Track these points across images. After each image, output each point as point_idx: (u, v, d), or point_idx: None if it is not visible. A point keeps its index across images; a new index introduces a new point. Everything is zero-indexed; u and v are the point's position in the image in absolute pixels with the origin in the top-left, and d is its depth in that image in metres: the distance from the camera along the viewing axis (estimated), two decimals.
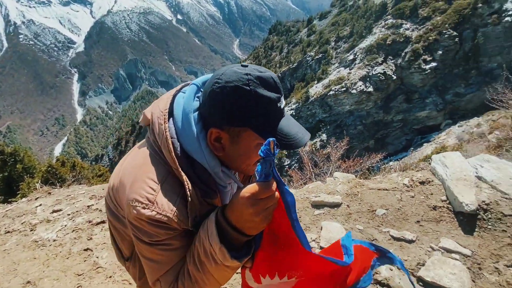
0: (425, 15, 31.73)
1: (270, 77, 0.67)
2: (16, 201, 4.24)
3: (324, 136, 29.94)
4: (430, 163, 2.76)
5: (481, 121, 22.25)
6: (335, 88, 31.83)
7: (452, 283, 1.66)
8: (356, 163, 6.17)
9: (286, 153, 28.62)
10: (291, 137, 0.68)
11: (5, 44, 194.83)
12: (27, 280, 2.29)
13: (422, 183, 2.52)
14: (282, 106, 0.69)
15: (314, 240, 2.21)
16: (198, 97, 0.75)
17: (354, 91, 30.75)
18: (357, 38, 36.92)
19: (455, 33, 28.72)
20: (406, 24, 32.76)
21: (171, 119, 0.74)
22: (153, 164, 0.72)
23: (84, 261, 2.55)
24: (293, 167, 23.82)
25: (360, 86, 30.69)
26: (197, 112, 0.73)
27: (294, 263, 0.72)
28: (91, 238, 2.85)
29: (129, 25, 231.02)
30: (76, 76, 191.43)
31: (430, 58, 29.33)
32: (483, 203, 2.07)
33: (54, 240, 2.85)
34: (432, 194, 2.38)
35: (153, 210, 0.66)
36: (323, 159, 6.40)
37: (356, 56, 33.96)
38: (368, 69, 31.34)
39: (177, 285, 0.73)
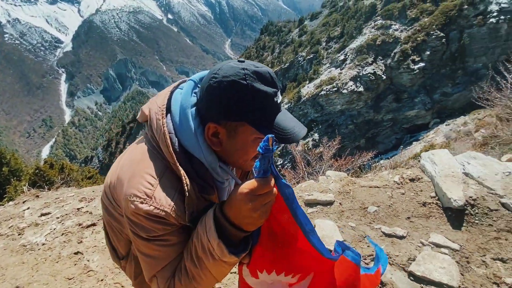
0: (413, 16, 32.41)
1: (267, 71, 0.67)
2: (3, 205, 4.12)
3: (316, 136, 30.19)
4: (419, 161, 2.82)
5: (467, 119, 22.87)
6: (327, 88, 32.15)
7: (442, 277, 1.70)
8: (347, 161, 6.25)
9: (278, 152, 28.75)
10: (288, 131, 0.69)
11: None
12: (16, 285, 2.23)
13: (412, 180, 2.57)
14: (278, 101, 0.70)
15: None
16: (195, 92, 0.76)
17: (345, 91, 31.12)
18: (347, 39, 37.39)
19: (442, 34, 29.44)
20: (395, 25, 33.38)
21: (168, 115, 0.74)
22: (151, 160, 0.72)
23: (75, 264, 2.50)
24: (286, 166, 23.95)
25: (351, 86, 31.10)
26: (194, 108, 0.73)
27: (292, 262, 0.73)
28: (81, 241, 2.80)
29: (119, 24, 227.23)
30: (63, 76, 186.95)
31: (419, 59, 29.98)
32: (470, 198, 2.13)
33: (43, 244, 2.79)
34: (421, 190, 2.44)
35: (151, 205, 0.66)
36: (315, 158, 6.46)
37: (347, 57, 34.39)
38: (359, 69, 31.79)
39: (174, 281, 0.73)
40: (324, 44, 42.00)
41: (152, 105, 0.77)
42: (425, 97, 29.54)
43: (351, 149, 9.30)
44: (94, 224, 3.07)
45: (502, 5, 27.05)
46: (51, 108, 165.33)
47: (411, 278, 1.77)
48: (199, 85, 0.77)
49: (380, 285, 1.76)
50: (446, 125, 25.73)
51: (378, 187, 2.63)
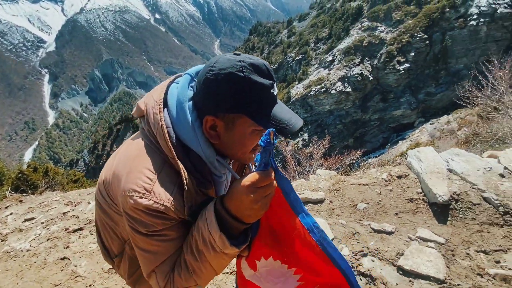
0: (398, 18, 33.27)
1: (263, 64, 0.68)
2: None
3: (306, 136, 30.50)
4: (406, 158, 2.90)
5: (450, 118, 23.69)
6: (316, 89, 32.54)
7: (429, 270, 1.76)
8: (337, 160, 6.35)
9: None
10: (284, 123, 0.69)
11: None
12: None
13: (399, 177, 2.64)
14: (275, 93, 0.70)
15: None
16: (192, 86, 0.76)
17: (333, 91, 31.60)
18: (335, 40, 37.97)
19: (425, 36, 30.38)
20: (381, 26, 34.18)
21: (165, 109, 0.74)
22: (149, 154, 0.72)
23: (61, 270, 2.42)
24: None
25: (339, 86, 31.60)
26: (191, 101, 0.73)
27: (288, 252, 0.75)
28: (68, 247, 2.72)
29: (104, 24, 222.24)
30: (47, 77, 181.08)
31: (404, 59, 30.81)
32: (455, 193, 2.21)
33: (28, 250, 2.69)
34: (408, 187, 2.50)
35: (150, 199, 0.66)
36: (305, 158, 6.53)
37: (335, 57, 34.94)
38: (346, 70, 32.35)
39: (173, 275, 0.73)
40: (312, 45, 42.51)
41: (148, 100, 0.76)
42: (410, 97, 30.39)
43: (340, 148, 9.46)
44: (81, 229, 2.99)
45: (482, 8, 28.17)
46: (34, 110, 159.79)
47: (400, 272, 1.82)
48: (195, 79, 0.76)
49: (369, 280, 1.80)
50: (430, 124, 26.55)
51: (367, 184, 2.69)
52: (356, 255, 1.99)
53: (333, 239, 2.15)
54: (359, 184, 2.71)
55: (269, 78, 0.68)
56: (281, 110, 0.71)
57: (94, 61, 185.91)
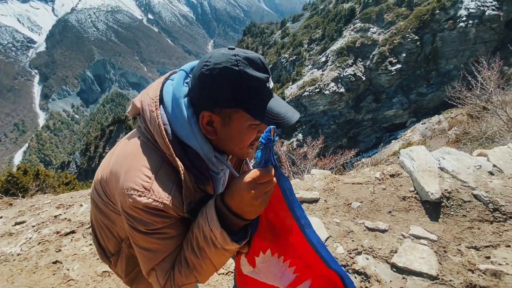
0: (389, 20, 33.74)
1: (258, 57, 0.67)
2: None
3: (300, 136, 30.65)
4: (398, 157, 2.94)
5: (441, 118, 24.12)
6: (309, 89, 32.74)
7: (422, 267, 1.79)
8: (331, 160, 6.40)
9: None
10: (281, 116, 0.69)
11: None
12: None
13: (392, 176, 2.68)
14: (270, 86, 0.70)
15: None
16: (187, 82, 0.75)
17: (327, 91, 31.84)
18: (328, 41, 38.27)
19: (416, 37, 30.87)
20: (373, 28, 34.60)
21: (161, 106, 0.73)
22: (147, 152, 0.72)
23: (53, 274, 2.38)
24: None
25: (333, 87, 31.86)
26: (187, 98, 0.72)
27: (285, 246, 0.76)
28: (60, 250, 2.67)
29: (96, 24, 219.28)
30: (37, 78, 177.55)
31: (395, 60, 31.25)
32: (446, 191, 2.25)
33: (18, 254, 2.64)
34: (401, 185, 2.54)
35: (149, 198, 0.66)
36: (300, 158, 6.56)
37: (328, 58, 35.22)
38: (340, 71, 32.64)
39: (174, 272, 0.73)
40: (306, 46, 42.75)
41: (144, 98, 0.76)
42: (402, 97, 30.83)
43: (334, 148, 9.53)
44: (73, 232, 2.94)
45: (470, 10, 28.79)
46: (24, 112, 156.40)
47: (394, 269, 1.84)
48: (190, 75, 0.76)
49: (364, 278, 1.82)
50: (422, 123, 26.99)
51: (360, 183, 2.72)
52: (350, 253, 2.01)
53: (328, 238, 2.17)
54: (353, 183, 2.74)
55: (264, 72, 0.68)
56: (277, 104, 0.71)
57: (86, 62, 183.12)
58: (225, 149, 0.77)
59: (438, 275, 1.75)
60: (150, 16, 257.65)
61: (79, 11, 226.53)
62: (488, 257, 1.82)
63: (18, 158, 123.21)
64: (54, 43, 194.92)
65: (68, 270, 2.40)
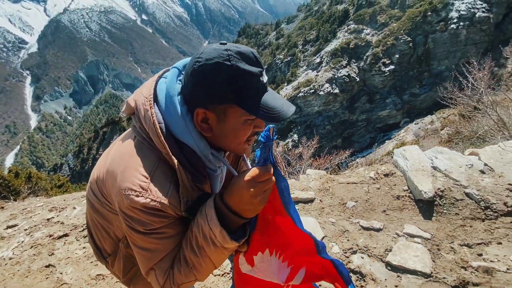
0: (382, 21, 34.15)
1: (250, 51, 0.66)
2: None
3: (295, 137, 30.74)
4: (392, 157, 2.97)
5: (434, 118, 24.47)
6: (304, 90, 32.89)
7: (416, 265, 1.81)
8: (326, 160, 6.44)
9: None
10: (276, 110, 0.68)
11: None
12: None
13: (386, 175, 2.70)
14: (264, 80, 0.69)
15: None
16: (180, 80, 0.74)
17: (321, 92, 32.04)
18: (322, 42, 38.54)
19: (409, 39, 31.30)
20: (366, 29, 34.96)
21: (155, 104, 0.73)
22: (143, 152, 0.71)
23: (46, 278, 2.34)
24: None
25: (327, 88, 32.07)
26: (181, 95, 0.72)
27: (283, 244, 0.77)
28: (52, 254, 2.63)
29: (89, 24, 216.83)
30: (28, 79, 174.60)
31: (389, 61, 31.62)
32: (439, 190, 2.28)
33: (10, 258, 2.59)
34: (395, 185, 2.57)
35: (147, 198, 0.65)
36: (295, 158, 6.59)
37: (323, 59, 35.46)
38: (334, 72, 32.89)
39: (173, 272, 0.73)
40: (300, 47, 42.97)
41: (138, 97, 0.75)
42: (396, 98, 31.20)
43: (329, 149, 9.60)
44: (66, 235, 2.90)
45: (461, 12, 29.32)
46: (15, 113, 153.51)
47: (389, 268, 1.86)
48: (183, 72, 0.75)
49: (359, 277, 1.84)
50: (415, 124, 27.35)
51: (355, 183, 2.74)
52: (346, 252, 2.02)
53: (323, 237, 2.18)
54: (348, 183, 2.76)
55: (257, 66, 0.67)
56: (272, 98, 0.70)
57: (79, 63, 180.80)
58: (222, 146, 0.75)
59: (431, 272, 1.77)
60: (144, 16, 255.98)
61: (72, 11, 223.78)
62: (480, 254, 1.85)
63: (9, 160, 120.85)
64: (46, 44, 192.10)
65: (61, 273, 2.37)
